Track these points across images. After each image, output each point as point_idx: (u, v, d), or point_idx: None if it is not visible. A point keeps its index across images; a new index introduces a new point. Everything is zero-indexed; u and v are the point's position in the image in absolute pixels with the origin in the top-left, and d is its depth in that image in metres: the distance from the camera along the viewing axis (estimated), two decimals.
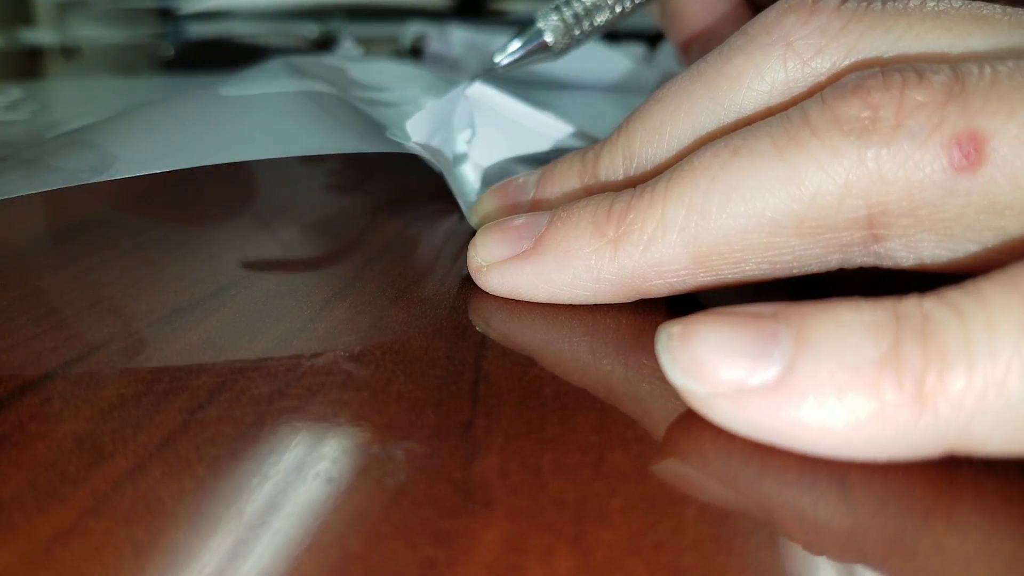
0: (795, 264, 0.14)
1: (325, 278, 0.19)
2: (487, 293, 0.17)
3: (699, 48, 0.26)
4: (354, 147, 0.19)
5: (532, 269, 0.16)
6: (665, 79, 0.19)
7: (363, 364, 0.14)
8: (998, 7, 0.14)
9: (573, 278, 0.16)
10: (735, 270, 0.15)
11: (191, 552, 0.09)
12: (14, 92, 0.39)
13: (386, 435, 0.12)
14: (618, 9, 0.23)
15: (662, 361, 0.12)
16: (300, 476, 0.11)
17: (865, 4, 0.15)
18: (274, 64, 0.26)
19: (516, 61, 0.23)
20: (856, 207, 0.13)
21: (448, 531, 0.10)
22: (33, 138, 0.27)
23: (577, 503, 0.10)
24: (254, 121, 0.21)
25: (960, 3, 0.14)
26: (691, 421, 0.12)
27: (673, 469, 0.11)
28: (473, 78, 0.24)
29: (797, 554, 0.10)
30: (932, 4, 0.15)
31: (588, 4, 0.23)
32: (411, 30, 0.58)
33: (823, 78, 0.15)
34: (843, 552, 0.10)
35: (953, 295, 0.11)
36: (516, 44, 0.23)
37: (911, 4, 0.15)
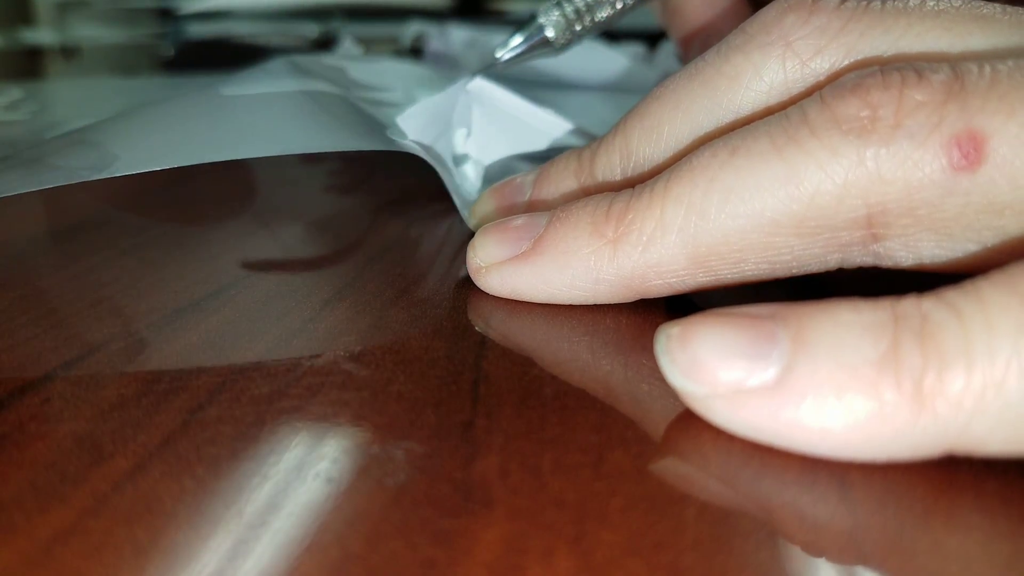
0: (794, 264, 0.14)
1: (325, 278, 0.19)
2: (487, 293, 0.17)
3: (699, 44, 0.26)
4: (354, 145, 0.20)
5: (531, 270, 0.16)
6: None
7: (363, 364, 0.14)
8: (998, 6, 0.14)
9: (572, 279, 0.16)
10: (734, 270, 0.15)
11: (191, 552, 0.09)
12: (14, 92, 0.39)
13: (386, 435, 0.12)
14: (619, 5, 0.23)
15: (661, 362, 0.12)
16: (300, 476, 0.11)
17: (865, 3, 0.15)
18: (275, 64, 0.26)
19: (517, 56, 0.23)
20: (855, 207, 0.13)
21: (448, 531, 0.10)
22: (33, 138, 0.27)
23: (577, 503, 0.10)
24: (254, 119, 0.21)
25: (960, 2, 0.14)
26: (691, 421, 0.12)
27: (673, 469, 0.11)
28: (474, 73, 0.24)
29: (797, 554, 0.10)
30: (932, 3, 0.15)
31: (590, 0, 0.23)
32: (411, 29, 0.58)
33: (822, 78, 0.15)
34: (843, 552, 0.10)
35: (952, 295, 0.11)
36: (518, 39, 0.23)
37: (911, 3, 0.15)
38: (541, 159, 0.22)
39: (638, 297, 0.16)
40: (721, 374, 0.11)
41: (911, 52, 0.14)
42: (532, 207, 0.19)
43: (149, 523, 0.10)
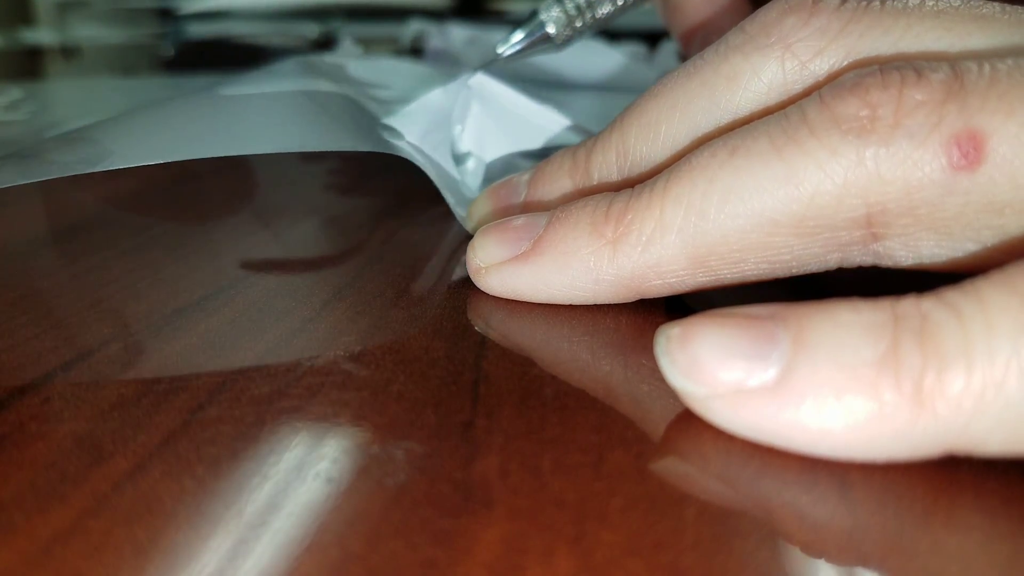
0: (794, 264, 0.14)
1: (325, 278, 0.19)
2: (487, 293, 0.17)
3: (700, 41, 0.26)
4: (347, 146, 0.20)
5: (531, 270, 0.16)
6: None
7: (363, 364, 0.14)
8: (997, 6, 0.14)
9: (572, 279, 0.16)
10: (734, 270, 0.15)
11: (191, 552, 0.09)
12: (14, 92, 0.39)
13: (386, 435, 0.12)
14: (619, 2, 0.23)
15: (661, 363, 0.12)
16: (300, 476, 0.11)
17: (864, 4, 0.15)
18: (278, 65, 0.26)
19: (518, 52, 0.23)
20: (855, 206, 0.13)
21: (448, 531, 0.10)
22: (32, 138, 0.27)
23: (577, 503, 0.10)
24: (251, 117, 0.21)
25: (959, 2, 0.14)
26: (691, 421, 0.12)
27: (673, 469, 0.11)
28: (476, 69, 0.25)
29: (797, 554, 0.10)
30: (931, 3, 0.14)
31: None
32: (411, 28, 0.57)
33: (821, 79, 0.15)
34: (843, 552, 0.10)
35: (951, 295, 0.11)
36: (519, 35, 0.23)
37: (910, 3, 0.15)
38: (541, 155, 0.22)
39: (638, 297, 0.16)
40: (721, 374, 0.11)
41: (911, 52, 0.14)
42: (528, 207, 0.19)
43: (149, 523, 0.10)
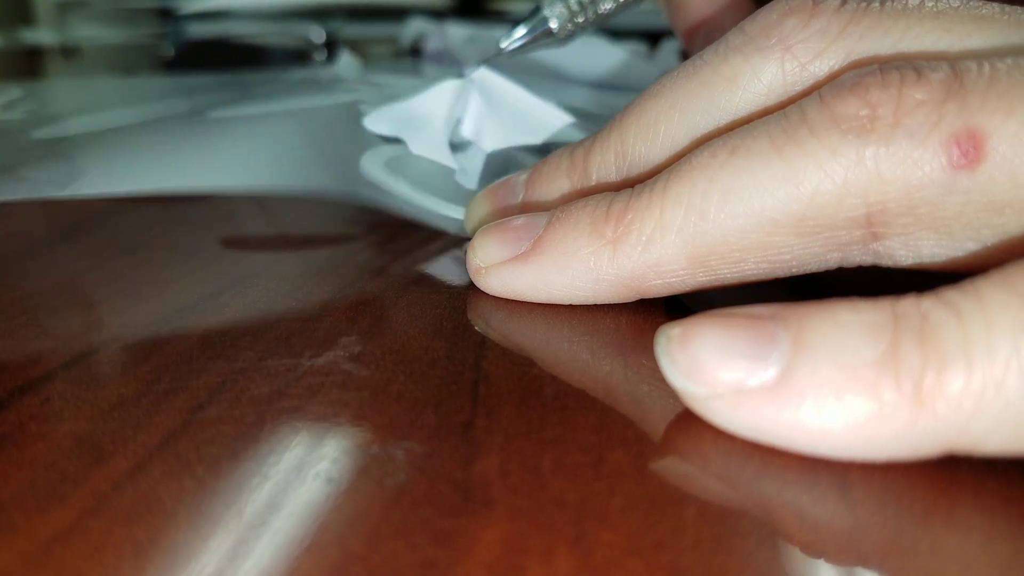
0: (794, 263, 0.14)
1: (325, 278, 0.19)
2: (487, 293, 0.17)
3: (703, 39, 0.26)
4: (328, 186, 0.20)
5: (531, 271, 0.16)
6: None
7: (363, 364, 0.14)
8: (997, 6, 0.14)
9: (572, 279, 0.16)
10: (734, 270, 0.15)
11: (191, 552, 0.09)
12: (13, 92, 0.39)
13: (386, 435, 0.12)
14: None
15: (661, 363, 0.12)
16: (300, 476, 0.11)
17: (864, 5, 0.15)
18: (279, 81, 0.26)
19: (521, 47, 0.24)
20: (855, 206, 0.13)
21: (448, 531, 0.10)
22: (21, 137, 0.27)
23: (577, 503, 0.10)
24: (233, 147, 0.21)
25: (958, 3, 0.14)
26: (691, 421, 0.12)
27: (673, 469, 0.11)
28: (479, 63, 0.25)
29: (797, 554, 0.10)
30: (931, 4, 0.14)
31: None
32: (410, 29, 0.57)
33: (821, 80, 0.15)
34: (843, 552, 0.10)
35: (951, 295, 0.11)
36: (522, 30, 0.24)
37: (910, 4, 0.15)
38: (541, 151, 0.22)
39: (638, 297, 0.16)
40: (721, 374, 0.11)
41: (910, 53, 0.14)
42: (527, 207, 0.19)
43: (149, 523, 0.10)
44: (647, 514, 0.10)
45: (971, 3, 0.14)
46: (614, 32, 0.48)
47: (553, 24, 0.23)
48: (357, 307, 0.17)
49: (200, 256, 0.20)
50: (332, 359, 0.14)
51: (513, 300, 0.17)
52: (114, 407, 0.13)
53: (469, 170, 0.24)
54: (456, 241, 0.22)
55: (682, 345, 0.12)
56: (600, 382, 0.14)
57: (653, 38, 0.50)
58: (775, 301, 0.12)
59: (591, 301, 0.16)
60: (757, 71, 0.15)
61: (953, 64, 0.13)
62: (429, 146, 0.24)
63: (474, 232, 0.18)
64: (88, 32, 0.84)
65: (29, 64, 0.65)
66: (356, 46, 0.68)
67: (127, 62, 0.70)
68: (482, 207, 0.20)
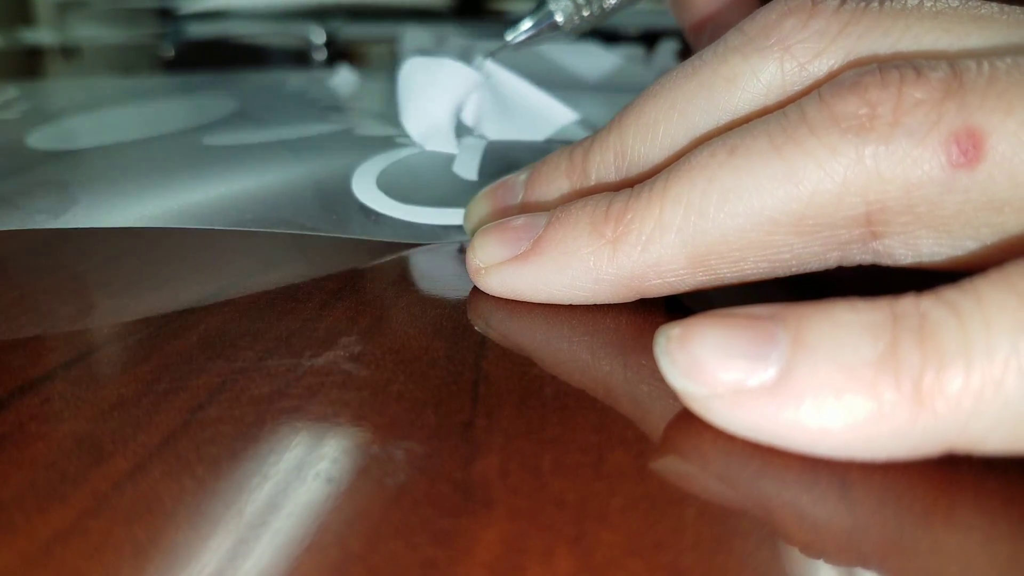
0: (794, 263, 0.14)
1: (325, 278, 0.19)
2: (487, 293, 0.17)
3: (709, 34, 0.26)
4: (319, 224, 0.20)
5: (531, 270, 0.16)
6: None
7: (363, 364, 0.14)
8: (996, 6, 0.14)
9: (572, 279, 0.16)
10: (734, 269, 0.15)
11: (191, 552, 0.09)
12: (10, 91, 0.39)
13: (386, 435, 0.12)
14: None
15: (661, 363, 0.12)
16: (300, 476, 0.11)
17: (863, 5, 0.15)
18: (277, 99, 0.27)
19: (526, 40, 0.24)
20: (854, 205, 0.13)
21: (448, 531, 0.10)
22: (15, 144, 0.27)
23: (577, 503, 0.10)
24: (224, 186, 0.21)
25: (958, 3, 0.14)
26: (691, 421, 0.12)
27: (673, 469, 0.11)
28: (485, 56, 0.25)
29: (797, 554, 0.10)
30: (930, 4, 0.14)
31: None
32: (406, 41, 0.57)
33: (820, 80, 0.15)
34: (843, 552, 0.10)
35: (950, 294, 0.11)
36: (528, 23, 0.24)
37: (909, 4, 0.15)
38: (543, 149, 0.22)
39: (638, 297, 0.16)
40: (721, 374, 0.11)
41: (909, 53, 0.14)
42: (526, 208, 0.19)
43: (149, 523, 0.10)
44: (647, 514, 0.10)
45: (970, 3, 0.14)
46: (610, 35, 0.48)
47: (559, 17, 0.24)
48: (357, 307, 0.17)
49: (200, 256, 0.20)
50: (332, 359, 0.14)
51: (513, 300, 0.17)
52: (114, 407, 0.13)
53: (468, 161, 0.24)
54: (456, 241, 0.22)
55: (682, 345, 0.12)
56: (600, 382, 0.14)
57: (650, 40, 0.50)
58: (775, 301, 0.12)
59: (591, 301, 0.16)
60: (756, 71, 0.15)
61: (952, 63, 0.13)
62: (439, 139, 0.25)
63: (474, 232, 0.18)
64: (88, 32, 0.84)
65: (29, 64, 0.65)
66: (356, 47, 0.68)
67: (127, 62, 0.70)
68: (481, 207, 0.20)
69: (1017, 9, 0.14)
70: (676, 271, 0.15)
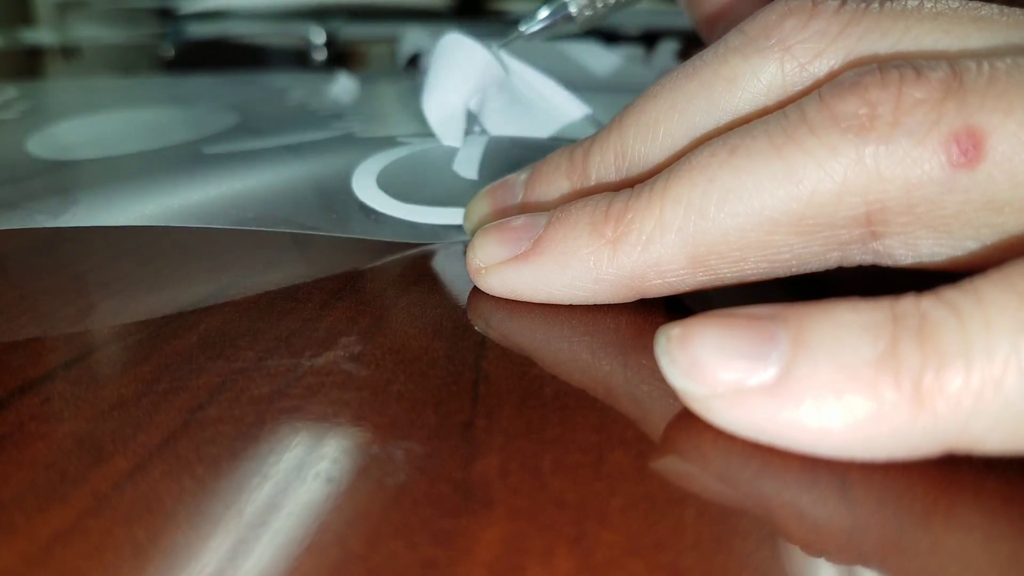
0: (794, 263, 0.14)
1: (325, 278, 0.19)
2: (487, 293, 0.17)
3: (723, 28, 0.26)
4: (321, 224, 0.20)
5: (531, 270, 0.16)
6: None
7: (363, 364, 0.14)
8: (995, 7, 0.14)
9: (572, 279, 0.16)
10: (734, 269, 0.15)
11: (191, 552, 0.09)
12: (10, 91, 0.39)
13: (386, 435, 0.12)
14: None
15: (661, 363, 0.12)
16: (300, 476, 0.11)
17: (864, 5, 0.15)
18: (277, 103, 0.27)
19: (540, 30, 0.25)
20: (854, 205, 0.13)
21: (448, 531, 0.10)
22: (14, 147, 0.27)
23: (577, 503, 0.10)
24: (225, 187, 0.21)
25: (957, 4, 0.14)
26: (691, 421, 0.12)
27: (673, 469, 0.11)
28: (499, 46, 0.25)
29: (797, 554, 0.10)
30: (929, 5, 0.15)
31: None
32: (406, 44, 0.57)
33: (820, 81, 0.15)
34: (843, 552, 0.10)
35: (950, 294, 0.11)
36: (543, 13, 0.25)
37: (909, 5, 0.15)
38: (543, 146, 0.22)
39: (638, 297, 0.16)
40: (721, 374, 0.11)
41: (909, 54, 0.14)
42: (526, 208, 0.19)
43: (149, 523, 0.10)
44: (647, 514, 0.10)
45: (970, 4, 0.14)
46: (610, 35, 0.48)
47: (572, 8, 0.24)
48: (357, 307, 0.17)
49: (201, 255, 0.20)
50: (332, 359, 0.14)
51: (513, 300, 0.17)
52: (114, 407, 0.13)
53: (469, 160, 0.24)
54: (456, 241, 0.22)
55: (682, 345, 0.12)
56: (600, 382, 0.14)
57: (650, 40, 0.50)
58: (775, 301, 0.12)
59: (591, 301, 0.16)
60: (756, 71, 0.15)
61: (952, 63, 0.13)
62: (452, 131, 0.25)
63: (473, 232, 0.18)
64: (88, 32, 0.84)
65: (29, 64, 0.65)
66: (356, 47, 0.68)
67: (127, 62, 0.70)
68: (481, 207, 0.20)
69: (1017, 10, 0.14)
70: (676, 271, 0.15)
